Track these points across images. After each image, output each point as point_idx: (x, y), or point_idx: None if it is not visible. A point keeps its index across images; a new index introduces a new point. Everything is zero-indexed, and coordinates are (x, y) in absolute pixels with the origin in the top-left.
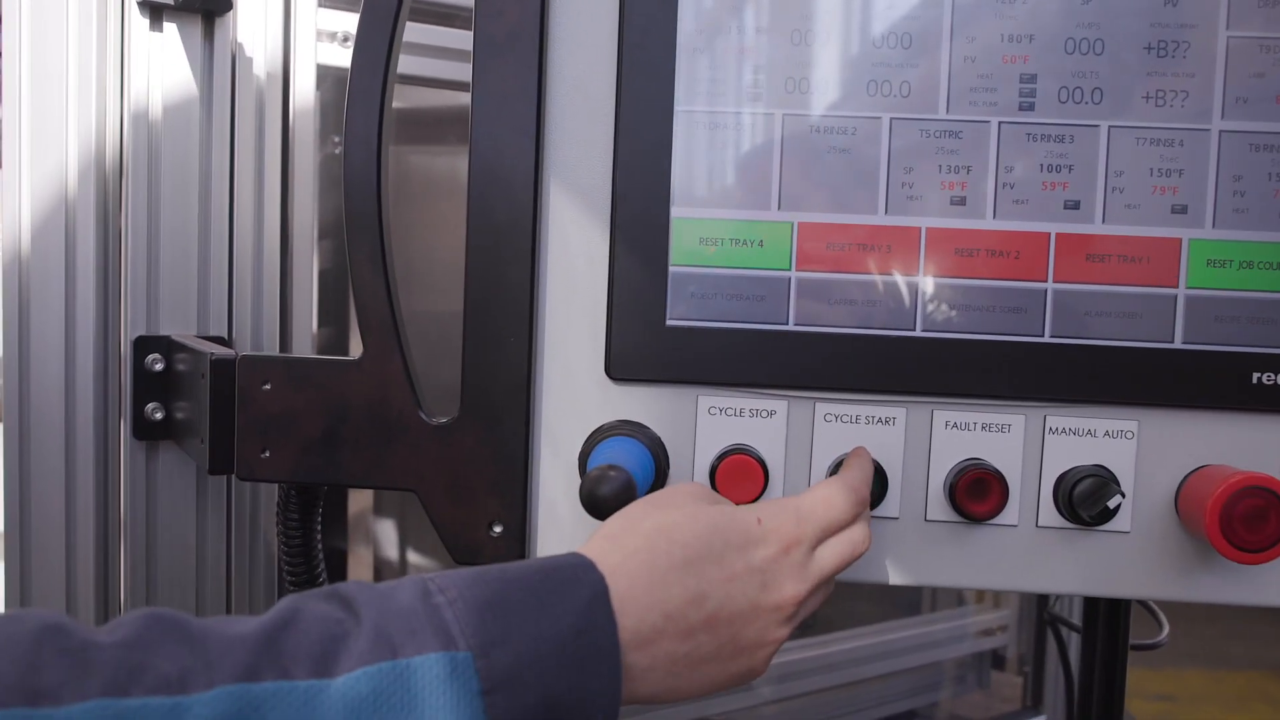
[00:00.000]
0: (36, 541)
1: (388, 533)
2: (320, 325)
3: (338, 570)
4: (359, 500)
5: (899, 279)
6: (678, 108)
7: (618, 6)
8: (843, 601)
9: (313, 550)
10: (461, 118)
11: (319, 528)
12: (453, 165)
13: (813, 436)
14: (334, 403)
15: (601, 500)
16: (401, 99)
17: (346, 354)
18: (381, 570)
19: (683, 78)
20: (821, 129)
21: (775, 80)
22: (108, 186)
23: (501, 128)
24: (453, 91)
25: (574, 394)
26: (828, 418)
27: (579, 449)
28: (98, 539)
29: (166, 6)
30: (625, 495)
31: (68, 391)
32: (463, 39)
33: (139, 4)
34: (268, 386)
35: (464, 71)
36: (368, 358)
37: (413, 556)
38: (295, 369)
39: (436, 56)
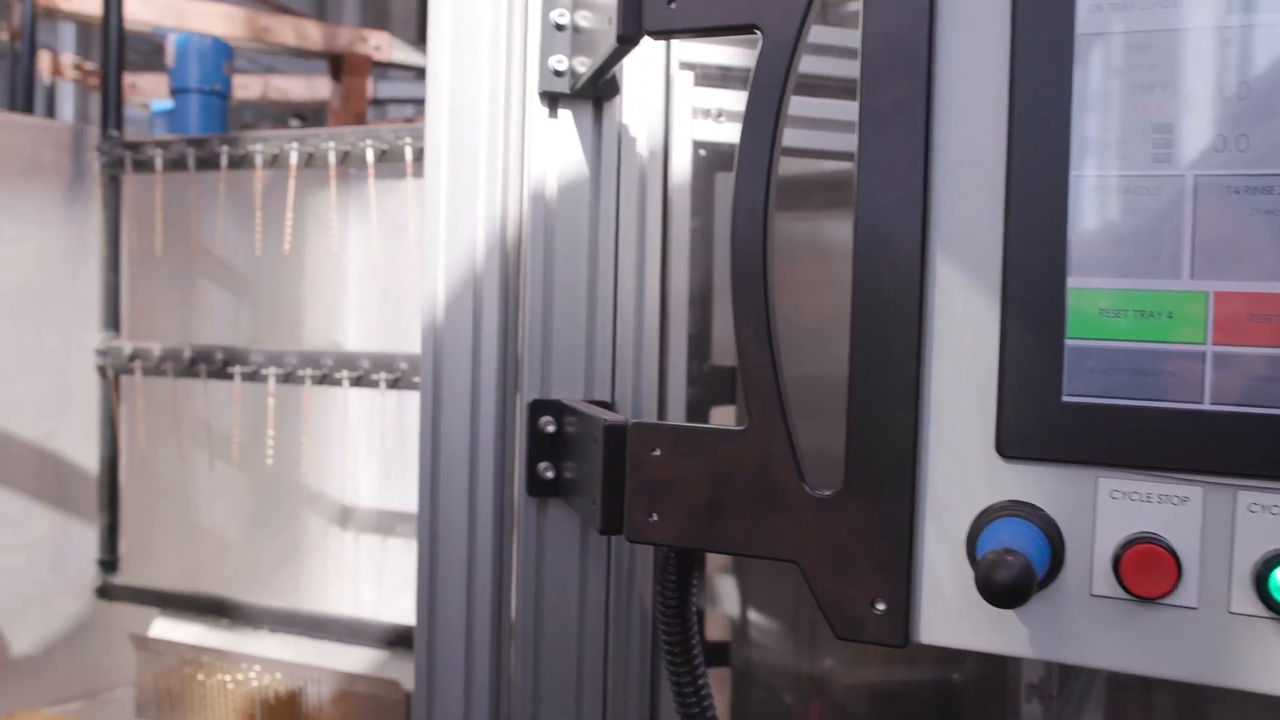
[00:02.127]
0: (442, 580)
1: (729, 590)
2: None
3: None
4: (710, 558)
5: None
6: (1073, 173)
7: (1008, 72)
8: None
9: (687, 612)
10: (822, 184)
11: (695, 590)
12: (814, 230)
13: (1234, 528)
14: (719, 471)
15: (999, 586)
16: None
17: (705, 415)
18: (736, 628)
19: (1078, 141)
20: (1241, 189)
21: (1183, 140)
22: (509, 260)
23: (887, 199)
24: (811, 159)
25: (962, 471)
26: (1253, 508)
27: (967, 528)
28: (494, 582)
29: (563, 95)
30: (1024, 581)
31: (472, 448)
32: (827, 108)
33: (539, 94)
34: (657, 453)
35: (827, 140)
36: (753, 428)
37: (753, 615)
38: (683, 437)
39: (802, 127)
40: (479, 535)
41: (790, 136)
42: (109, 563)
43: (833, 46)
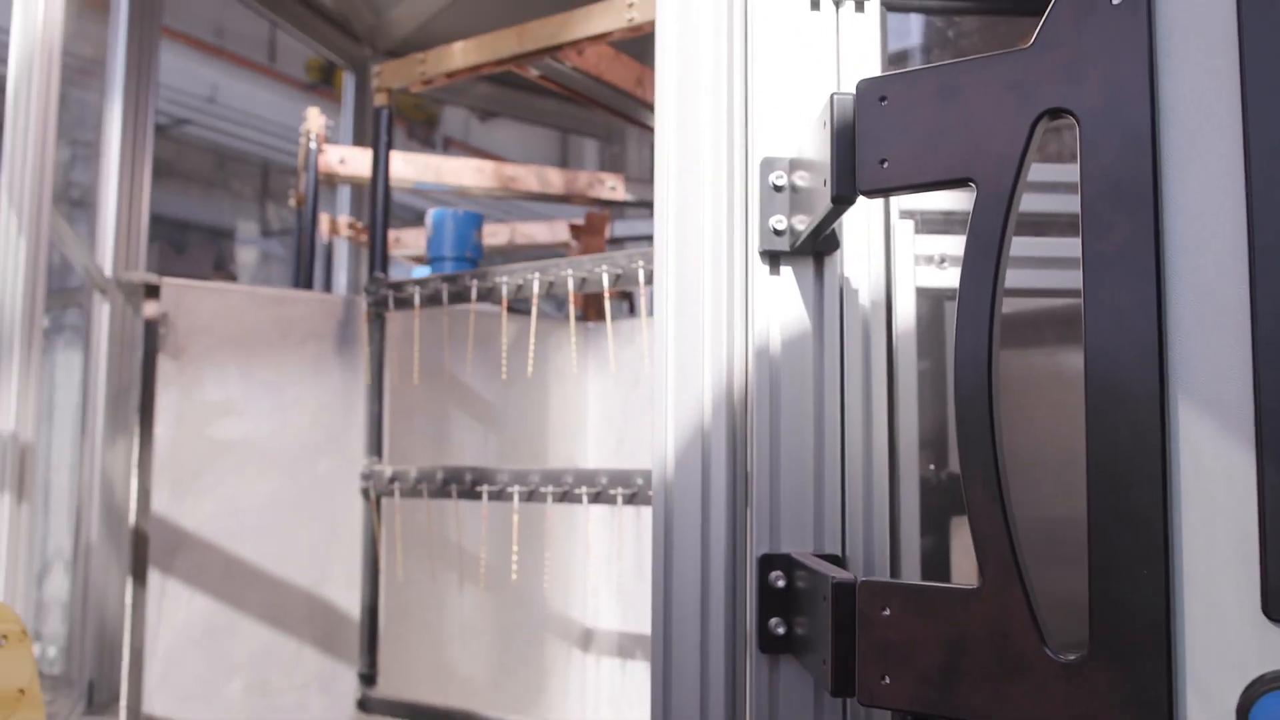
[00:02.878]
0: None
1: None
2: (921, 534)
3: None
4: None
5: None
6: None
7: (1245, 209)
8: None
9: None
10: (1055, 318)
11: None
12: (1052, 364)
13: None
14: (953, 632)
15: None
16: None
17: (946, 525)
18: None
19: None
20: None
21: None
22: (735, 414)
23: (1119, 346)
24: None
25: (1224, 635)
26: None
27: (1235, 700)
28: None
29: (783, 253)
30: None
31: (703, 601)
32: (1049, 246)
33: (760, 253)
34: (887, 612)
35: (1053, 278)
36: (987, 587)
37: None
38: (914, 596)
39: (1026, 266)
40: (711, 690)
41: (1013, 277)
42: (368, 676)
43: (1055, 184)
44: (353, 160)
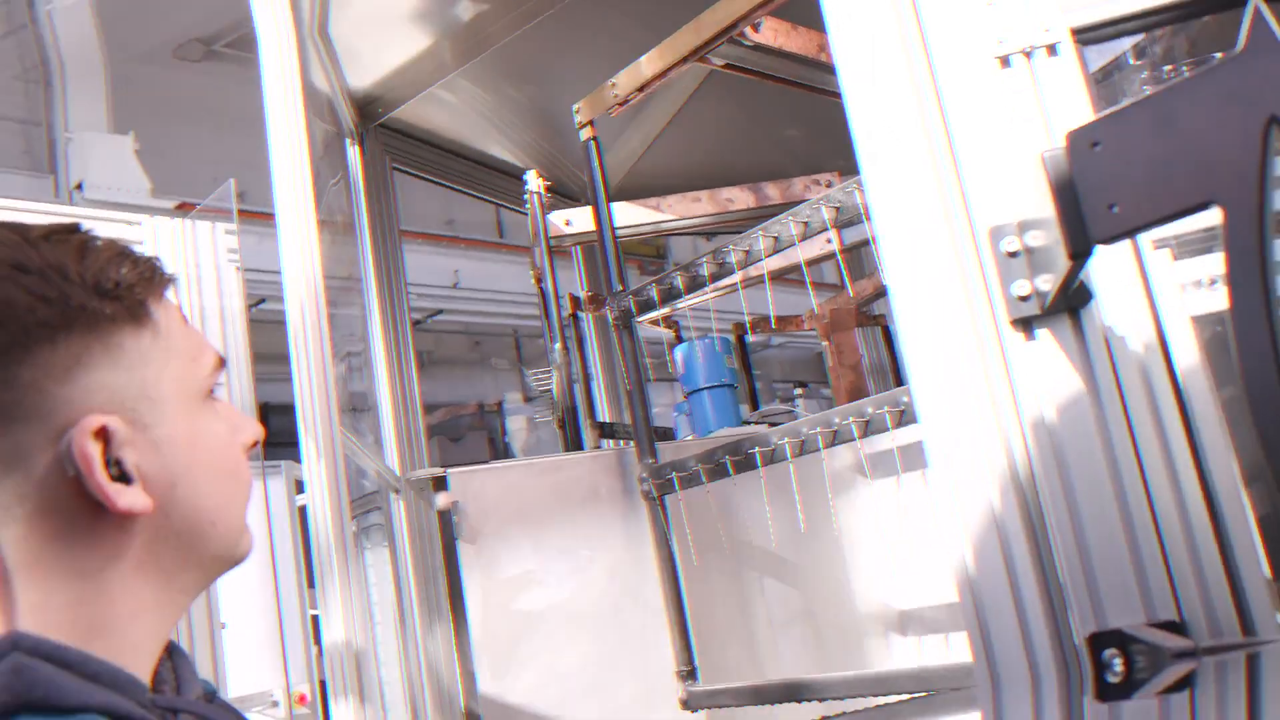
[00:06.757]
0: None
1: None
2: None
3: None
4: None
5: None
6: None
7: None
8: None
9: None
10: None
11: None
12: None
13: None
14: None
15: None
16: None
17: None
18: None
19: None
20: None
21: None
22: (1025, 493)
23: None
24: None
25: None
26: None
27: None
28: None
29: (1035, 317)
30: None
31: (1035, 693)
32: None
33: (1011, 322)
34: None
35: None
36: None
37: None
38: None
39: None
40: None
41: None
42: (688, 673)
43: None
44: (577, 219)
